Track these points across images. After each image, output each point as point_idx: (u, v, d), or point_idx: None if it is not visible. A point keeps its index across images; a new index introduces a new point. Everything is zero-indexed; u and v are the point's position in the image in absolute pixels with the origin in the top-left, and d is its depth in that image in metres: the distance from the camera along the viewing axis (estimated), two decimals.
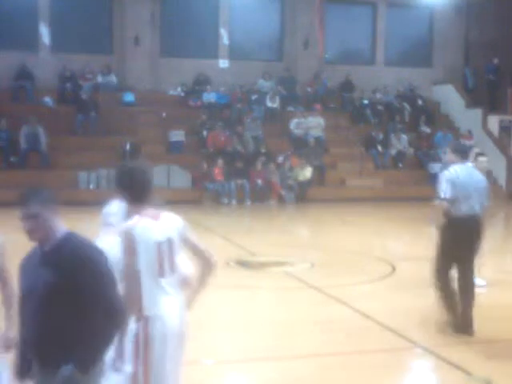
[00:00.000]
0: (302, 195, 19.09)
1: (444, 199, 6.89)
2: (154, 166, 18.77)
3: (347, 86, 23.44)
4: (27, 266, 3.55)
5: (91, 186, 18.23)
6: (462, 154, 7.33)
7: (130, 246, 3.87)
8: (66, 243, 3.45)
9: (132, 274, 3.85)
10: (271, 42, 23.99)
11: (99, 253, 3.47)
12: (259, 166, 19.06)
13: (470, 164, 7.42)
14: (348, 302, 8.12)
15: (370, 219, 15.97)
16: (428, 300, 8.32)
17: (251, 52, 23.50)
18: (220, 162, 18.72)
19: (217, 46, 23.18)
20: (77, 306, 3.35)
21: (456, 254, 6.98)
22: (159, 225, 3.98)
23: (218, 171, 18.66)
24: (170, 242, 3.96)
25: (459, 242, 6.93)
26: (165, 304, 3.91)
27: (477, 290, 9.02)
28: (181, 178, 18.86)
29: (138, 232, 3.89)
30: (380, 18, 24.76)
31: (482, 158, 8.68)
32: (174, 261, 4.00)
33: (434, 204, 7.06)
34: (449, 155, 7.34)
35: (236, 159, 19.33)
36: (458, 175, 7.00)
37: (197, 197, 18.49)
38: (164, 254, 3.93)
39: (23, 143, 18.39)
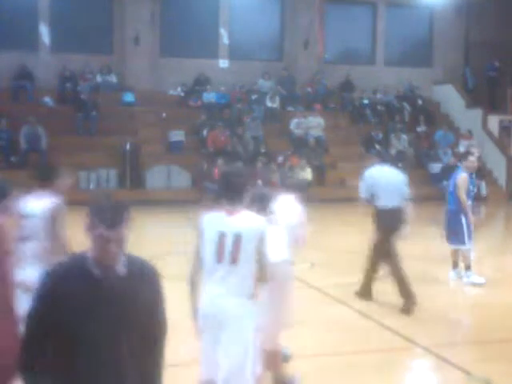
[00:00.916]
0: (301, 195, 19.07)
1: (360, 197, 8.47)
2: (154, 166, 18.85)
3: (347, 85, 23.44)
4: (82, 302, 2.77)
5: (91, 186, 18.23)
6: (385, 157, 9.07)
7: (198, 231, 4.49)
8: (131, 262, 2.91)
9: (196, 257, 4.50)
10: (271, 42, 23.99)
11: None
12: (260, 166, 19.05)
13: (385, 165, 8.60)
14: (348, 301, 8.12)
15: (370, 219, 15.93)
16: (428, 300, 8.33)
17: (251, 52, 23.51)
18: (220, 161, 18.71)
19: (217, 45, 23.18)
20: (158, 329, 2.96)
21: (385, 240, 8.22)
22: (231, 220, 4.35)
23: (218, 171, 18.65)
24: (237, 236, 4.28)
25: (384, 230, 8.17)
26: (213, 290, 4.37)
27: (477, 290, 9.04)
28: (181, 178, 18.86)
29: (204, 221, 4.48)
30: (380, 18, 24.76)
31: (471, 158, 8.97)
32: (238, 255, 4.29)
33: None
34: (369, 159, 8.76)
35: (236, 159, 19.32)
36: (371, 176, 8.38)
37: (197, 197, 18.48)
38: (226, 245, 4.30)
39: (23, 143, 18.40)
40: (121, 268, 2.84)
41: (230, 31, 23.15)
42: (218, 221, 4.40)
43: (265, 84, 22.58)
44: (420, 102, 23.79)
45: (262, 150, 19.92)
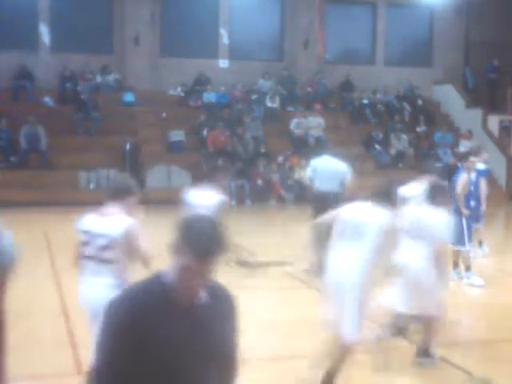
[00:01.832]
0: (302, 195, 19.08)
1: (306, 176, 10.21)
2: (153, 166, 18.84)
3: (347, 85, 23.43)
4: (164, 329, 2.51)
5: (91, 186, 18.22)
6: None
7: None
8: (211, 287, 2.66)
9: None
10: (271, 41, 23.99)
11: None
12: (261, 166, 19.05)
13: (327, 156, 10.26)
14: None
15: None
16: None
17: (251, 52, 23.50)
18: (220, 161, 18.70)
19: (217, 45, 23.18)
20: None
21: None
22: (363, 212, 5.40)
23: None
24: (360, 224, 5.29)
25: (321, 211, 8.52)
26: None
27: (477, 290, 9.04)
28: (181, 178, 18.85)
29: (342, 211, 5.56)
30: (380, 18, 24.76)
31: (472, 159, 9.07)
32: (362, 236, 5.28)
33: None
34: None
35: (236, 159, 19.33)
36: (315, 164, 10.15)
37: None
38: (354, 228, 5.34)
39: (23, 143, 18.40)
40: (203, 294, 2.58)
41: (230, 31, 23.14)
42: (354, 210, 5.47)
43: (265, 84, 22.58)
44: (420, 101, 23.78)
45: (262, 150, 19.92)
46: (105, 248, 4.74)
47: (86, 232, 4.87)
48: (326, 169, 9.98)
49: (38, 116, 18.82)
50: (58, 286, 8.60)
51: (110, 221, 4.79)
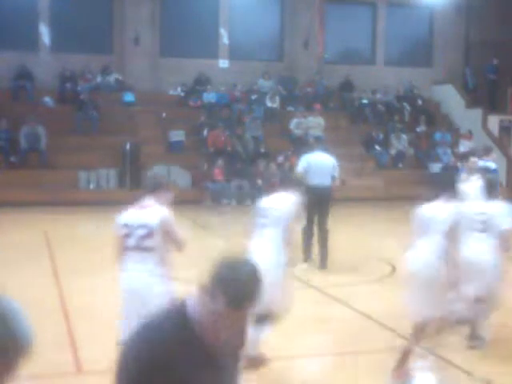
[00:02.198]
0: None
1: (297, 170, 10.45)
2: (153, 166, 18.84)
3: (347, 85, 23.44)
4: (189, 376, 2.30)
5: (91, 186, 18.22)
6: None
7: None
8: None
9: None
10: (271, 41, 23.99)
11: None
12: (261, 166, 19.05)
13: (320, 152, 10.72)
14: (348, 301, 8.12)
15: (370, 219, 15.96)
16: None
17: (251, 52, 23.50)
18: (220, 161, 18.71)
19: (217, 45, 23.18)
20: None
21: (313, 211, 10.21)
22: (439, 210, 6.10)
23: (218, 171, 18.66)
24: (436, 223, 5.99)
25: (313, 203, 9.93)
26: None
27: None
28: (181, 178, 18.85)
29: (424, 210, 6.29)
30: (380, 18, 24.76)
31: (473, 159, 9.18)
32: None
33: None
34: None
35: (236, 159, 19.33)
36: (307, 158, 10.48)
37: (197, 197, 18.48)
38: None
39: (23, 143, 18.40)
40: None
41: (230, 31, 23.15)
42: (432, 208, 6.14)
43: (265, 84, 22.58)
44: (420, 102, 23.79)
45: (262, 150, 19.92)
46: (145, 237, 5.15)
47: (125, 225, 5.28)
48: (318, 164, 10.40)
49: (38, 116, 18.83)
50: (57, 286, 8.61)
51: (147, 212, 5.26)
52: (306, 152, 11.07)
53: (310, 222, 10.38)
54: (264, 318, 5.68)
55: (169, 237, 5.23)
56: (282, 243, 5.83)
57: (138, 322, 2.50)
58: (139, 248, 5.16)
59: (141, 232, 5.17)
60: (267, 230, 5.94)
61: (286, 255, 5.90)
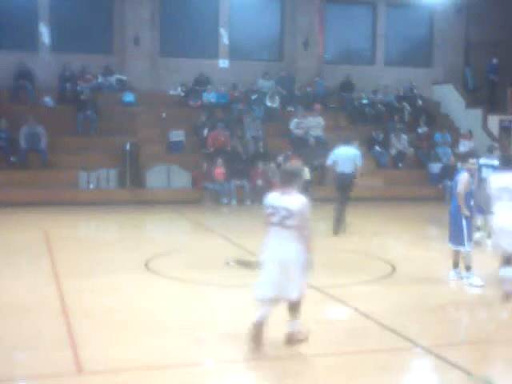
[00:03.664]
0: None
1: (327, 163, 13.56)
2: (153, 166, 18.84)
3: (347, 85, 23.44)
4: None
5: (91, 186, 18.23)
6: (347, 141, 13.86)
7: None
8: None
9: None
10: (271, 41, 24.00)
11: None
12: (261, 166, 19.04)
13: (346, 146, 13.52)
14: (348, 302, 8.12)
15: (370, 219, 15.96)
16: (428, 300, 8.34)
17: (251, 52, 23.52)
18: (220, 161, 18.71)
19: (217, 45, 23.19)
20: None
21: (340, 192, 13.25)
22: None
23: (218, 171, 18.66)
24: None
25: (338, 186, 13.21)
26: None
27: (477, 290, 9.04)
28: (181, 178, 18.85)
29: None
30: (380, 18, 24.77)
31: (471, 160, 9.19)
32: None
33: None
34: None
35: (236, 159, 19.33)
36: (335, 151, 13.41)
37: (197, 197, 18.49)
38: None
39: (23, 143, 18.40)
40: None
41: (230, 31, 23.15)
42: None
43: (264, 84, 22.58)
44: (420, 102, 23.78)
45: (262, 150, 19.91)
46: (286, 217, 6.28)
47: (271, 206, 6.44)
48: (343, 155, 13.14)
49: (38, 116, 18.83)
50: (57, 286, 8.61)
51: (289, 198, 6.36)
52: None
53: (339, 200, 13.17)
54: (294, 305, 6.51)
55: (302, 223, 6.27)
56: (298, 239, 6.30)
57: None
58: (282, 225, 6.29)
59: (283, 213, 6.28)
60: (282, 227, 6.36)
61: (304, 251, 6.34)
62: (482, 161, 12.58)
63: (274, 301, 6.32)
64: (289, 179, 6.48)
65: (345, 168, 13.06)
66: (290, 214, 6.26)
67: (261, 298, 6.34)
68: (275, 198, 6.47)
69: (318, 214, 17.57)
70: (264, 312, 6.28)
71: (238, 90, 22.22)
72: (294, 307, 6.43)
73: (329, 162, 13.44)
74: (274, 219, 6.36)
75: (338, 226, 13.16)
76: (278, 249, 6.35)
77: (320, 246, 12.30)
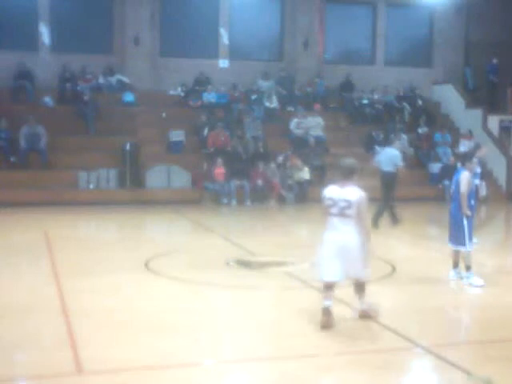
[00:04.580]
0: (301, 195, 19.08)
1: (373, 162, 14.70)
2: (153, 166, 18.85)
3: (347, 85, 23.44)
4: None
5: (91, 186, 18.23)
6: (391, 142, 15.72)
7: None
8: None
9: None
10: (271, 41, 24.00)
11: None
12: (261, 166, 19.04)
13: (389, 147, 14.90)
14: (348, 301, 8.11)
15: (370, 219, 15.93)
16: (428, 300, 8.33)
17: (251, 52, 23.52)
18: (220, 162, 18.71)
19: (217, 46, 23.19)
20: None
21: (384, 189, 14.13)
22: None
23: (218, 171, 18.66)
24: None
25: (382, 184, 14.17)
26: None
27: (477, 290, 9.04)
28: (181, 178, 18.86)
29: None
30: (380, 18, 24.77)
31: (475, 160, 9.34)
32: None
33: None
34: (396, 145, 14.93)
35: (236, 159, 19.33)
36: (379, 152, 15.22)
37: (197, 197, 18.49)
38: None
39: (23, 143, 18.40)
40: None
41: (230, 31, 23.16)
42: None
43: (264, 84, 22.59)
44: (420, 102, 23.79)
45: (262, 150, 19.91)
46: (345, 208, 6.81)
47: (330, 198, 6.91)
48: (385, 156, 14.41)
49: (38, 116, 18.84)
50: (58, 286, 8.60)
51: (347, 190, 6.84)
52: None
53: (385, 197, 14.13)
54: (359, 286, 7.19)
55: (359, 215, 6.78)
56: (357, 228, 6.83)
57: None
58: (341, 215, 6.82)
59: (342, 204, 6.80)
60: (342, 216, 6.87)
61: (363, 239, 6.90)
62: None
63: (339, 283, 7.04)
64: (348, 173, 6.91)
65: (387, 167, 14.23)
66: (349, 204, 6.78)
67: (330, 280, 6.96)
68: (334, 191, 6.94)
69: (317, 214, 17.60)
70: (330, 296, 6.97)
71: (238, 90, 22.23)
72: (360, 287, 7.16)
73: (375, 161, 14.74)
74: (334, 210, 6.88)
75: (378, 216, 14.12)
76: (338, 235, 6.89)
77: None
